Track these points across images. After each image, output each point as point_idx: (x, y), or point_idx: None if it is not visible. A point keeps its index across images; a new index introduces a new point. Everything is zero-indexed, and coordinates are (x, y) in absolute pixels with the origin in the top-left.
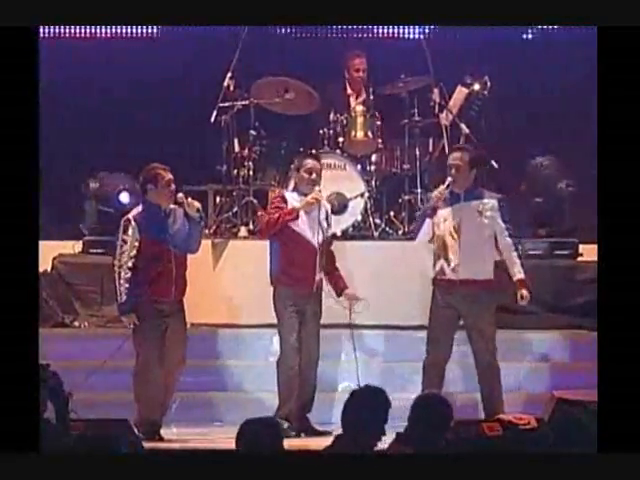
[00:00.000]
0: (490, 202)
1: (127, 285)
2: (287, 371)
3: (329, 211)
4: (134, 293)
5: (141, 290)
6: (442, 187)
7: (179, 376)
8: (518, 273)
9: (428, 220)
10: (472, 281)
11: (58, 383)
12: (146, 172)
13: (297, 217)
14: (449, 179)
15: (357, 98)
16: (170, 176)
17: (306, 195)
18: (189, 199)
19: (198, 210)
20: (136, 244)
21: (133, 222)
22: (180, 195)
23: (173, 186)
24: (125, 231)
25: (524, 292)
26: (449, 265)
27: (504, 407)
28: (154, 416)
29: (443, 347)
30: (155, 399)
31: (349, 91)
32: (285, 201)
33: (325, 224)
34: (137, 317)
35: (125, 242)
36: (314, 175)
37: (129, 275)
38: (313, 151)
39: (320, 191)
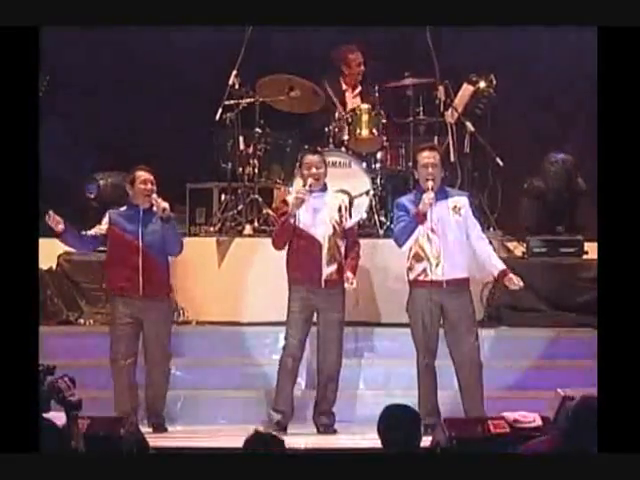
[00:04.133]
0: (461, 199)
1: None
2: (284, 365)
3: (344, 204)
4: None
5: (110, 281)
6: (430, 192)
7: (165, 372)
8: (500, 264)
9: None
10: (456, 280)
11: (68, 385)
12: (128, 174)
13: (294, 218)
14: (430, 183)
15: (352, 91)
16: (147, 176)
17: (310, 192)
18: (158, 200)
19: (164, 210)
20: (103, 231)
21: (108, 216)
22: (153, 196)
23: (149, 185)
24: (100, 221)
25: (513, 278)
26: (432, 265)
27: (484, 406)
28: (125, 410)
29: (433, 345)
30: (122, 393)
31: (344, 87)
32: (287, 204)
33: (337, 217)
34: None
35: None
36: (312, 169)
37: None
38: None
39: (310, 186)
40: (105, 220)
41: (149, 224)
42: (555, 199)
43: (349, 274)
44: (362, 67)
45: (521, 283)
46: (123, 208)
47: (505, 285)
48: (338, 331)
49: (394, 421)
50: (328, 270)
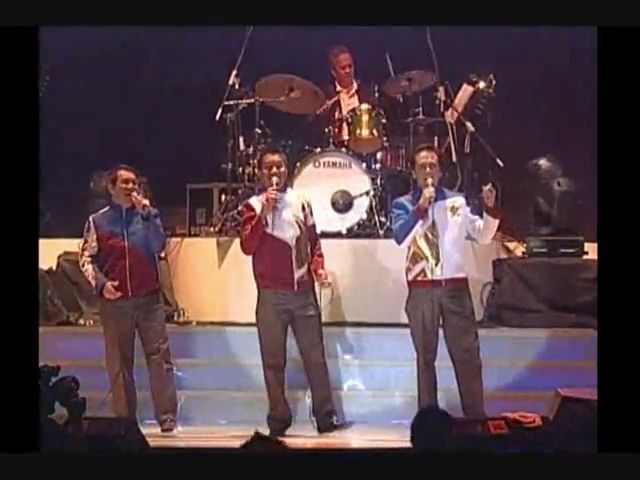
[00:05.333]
0: (459, 200)
1: (92, 272)
2: (269, 379)
3: (306, 202)
4: (99, 273)
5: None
6: (430, 188)
7: (166, 372)
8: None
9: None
10: (455, 279)
11: (72, 386)
12: (109, 174)
13: (265, 222)
14: (429, 179)
15: (347, 92)
16: (128, 175)
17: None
18: (138, 197)
19: (144, 207)
20: (95, 243)
21: (92, 222)
22: (133, 194)
23: (130, 185)
24: (87, 231)
25: (485, 192)
26: (431, 265)
27: (483, 406)
28: (122, 412)
29: (432, 345)
30: (119, 396)
31: (338, 87)
32: (252, 209)
33: (301, 217)
34: (112, 287)
35: (86, 241)
36: (273, 169)
37: (91, 266)
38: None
39: (277, 185)
40: (92, 231)
41: (133, 223)
42: (535, 202)
43: (321, 271)
44: (351, 68)
45: (487, 186)
46: (105, 209)
47: (490, 205)
48: (317, 329)
49: (425, 422)
50: (299, 272)
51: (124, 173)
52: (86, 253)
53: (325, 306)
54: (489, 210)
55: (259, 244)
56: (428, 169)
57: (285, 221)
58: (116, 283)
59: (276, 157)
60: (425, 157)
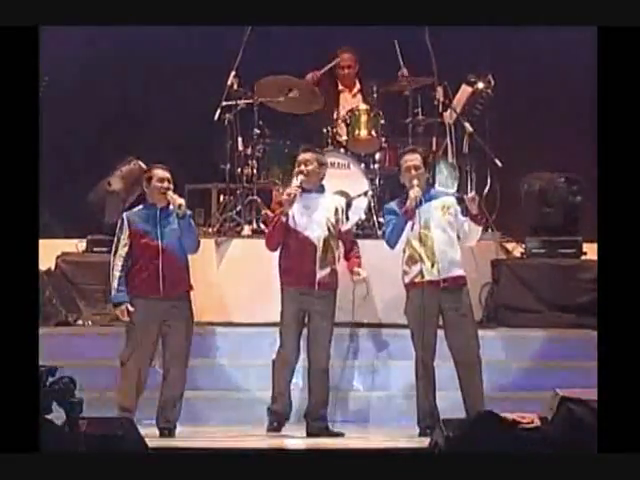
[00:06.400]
0: (450, 199)
1: (117, 279)
2: (279, 368)
3: (340, 206)
4: (124, 287)
5: (130, 284)
6: (416, 188)
7: (181, 373)
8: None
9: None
10: (453, 277)
11: (69, 387)
12: (144, 172)
13: (286, 217)
14: (415, 181)
15: (350, 92)
16: (164, 174)
17: (303, 189)
18: (174, 196)
19: (180, 206)
20: (127, 241)
21: (125, 220)
22: (169, 193)
23: (166, 184)
24: (120, 228)
25: (467, 200)
26: (427, 266)
27: (484, 404)
28: (125, 406)
29: (431, 346)
30: (126, 389)
31: (340, 87)
32: (282, 205)
33: (332, 219)
34: (127, 310)
35: (118, 239)
36: (302, 167)
37: (119, 269)
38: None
39: (301, 184)
40: (125, 228)
41: (167, 223)
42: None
43: (357, 268)
44: (356, 68)
45: (471, 194)
46: (139, 207)
47: (473, 213)
48: (328, 335)
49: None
50: (322, 272)
51: (159, 172)
52: (117, 255)
53: (358, 303)
54: (472, 217)
55: (286, 241)
56: (413, 171)
57: (314, 221)
58: (132, 309)
59: (306, 155)
60: (409, 160)
